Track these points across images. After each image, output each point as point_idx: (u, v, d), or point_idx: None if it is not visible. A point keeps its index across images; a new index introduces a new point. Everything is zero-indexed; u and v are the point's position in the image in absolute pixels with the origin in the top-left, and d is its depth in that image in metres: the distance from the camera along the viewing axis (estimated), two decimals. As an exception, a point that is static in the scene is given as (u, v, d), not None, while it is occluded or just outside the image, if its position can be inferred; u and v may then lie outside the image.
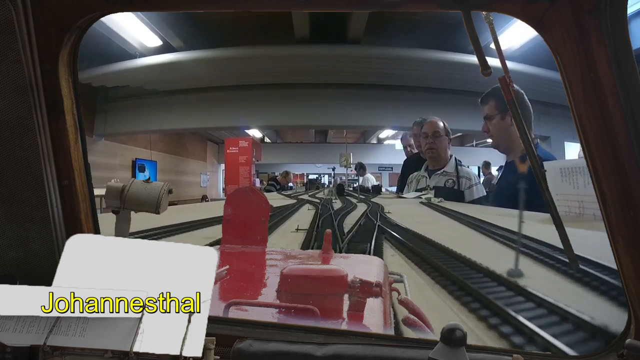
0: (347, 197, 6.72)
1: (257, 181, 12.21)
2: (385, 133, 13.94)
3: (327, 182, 15.11)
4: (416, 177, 4.14)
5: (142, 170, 10.87)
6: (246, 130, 12.57)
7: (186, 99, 9.10)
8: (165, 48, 8.05)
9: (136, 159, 11.15)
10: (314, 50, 8.06)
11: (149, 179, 1.12)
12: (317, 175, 15.66)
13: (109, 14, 1.01)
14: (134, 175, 10.25)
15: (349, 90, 8.97)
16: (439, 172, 3.83)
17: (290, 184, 12.15)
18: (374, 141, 15.03)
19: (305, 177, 15.24)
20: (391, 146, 14.42)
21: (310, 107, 9.26)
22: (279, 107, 9.31)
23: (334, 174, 12.21)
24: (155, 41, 7.86)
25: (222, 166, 13.05)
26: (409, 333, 1.25)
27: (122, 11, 1.01)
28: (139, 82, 8.62)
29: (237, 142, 11.04)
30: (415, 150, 4.60)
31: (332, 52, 8.09)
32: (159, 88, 8.94)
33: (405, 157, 4.85)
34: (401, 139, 5.62)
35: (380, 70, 8.43)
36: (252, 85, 8.87)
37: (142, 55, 8.08)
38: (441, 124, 3.86)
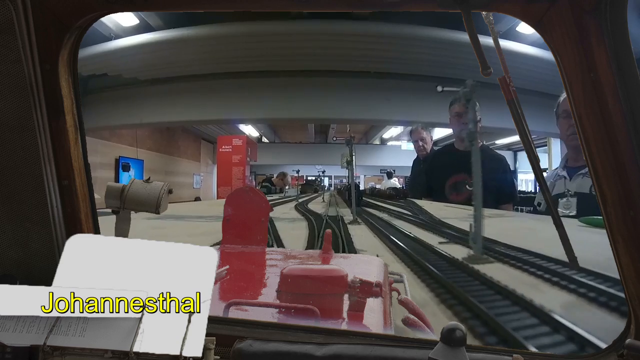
0: (378, 217, 5.07)
1: (253, 183, 11.91)
2: (390, 133, 13.68)
3: (327, 185, 14.64)
4: (552, 177, 2.85)
5: (127, 169, 10.03)
6: (242, 128, 12.06)
7: (169, 89, 8.15)
8: (143, 27, 7.17)
9: (120, 157, 10.21)
10: (312, 27, 6.83)
11: (149, 178, 1.12)
12: (318, 174, 15.06)
13: (109, 14, 1.01)
14: (117, 175, 9.78)
15: (355, 79, 7.82)
16: (584, 171, 2.54)
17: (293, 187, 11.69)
18: (377, 142, 14.84)
19: (304, 179, 14.92)
20: (396, 147, 13.67)
21: (309, 99, 8.13)
22: (275, 98, 8.20)
23: (348, 169, 7.96)
24: (131, 19, 7.03)
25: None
26: (409, 333, 1.25)
27: (122, 11, 1.02)
28: (117, 70, 7.74)
29: (230, 140, 10.53)
30: (426, 145, 4.02)
31: (333, 28, 6.86)
32: (140, 77, 8.04)
33: (417, 154, 4.17)
34: (411, 133, 4.81)
35: (392, 53, 7.19)
36: (242, 73, 7.84)
37: (118, 36, 7.24)
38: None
